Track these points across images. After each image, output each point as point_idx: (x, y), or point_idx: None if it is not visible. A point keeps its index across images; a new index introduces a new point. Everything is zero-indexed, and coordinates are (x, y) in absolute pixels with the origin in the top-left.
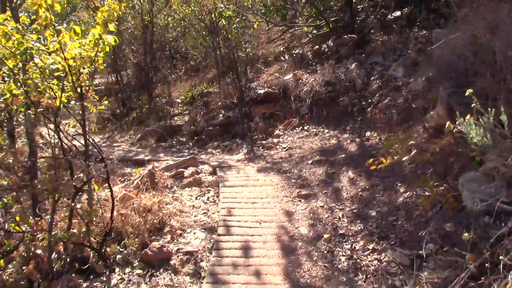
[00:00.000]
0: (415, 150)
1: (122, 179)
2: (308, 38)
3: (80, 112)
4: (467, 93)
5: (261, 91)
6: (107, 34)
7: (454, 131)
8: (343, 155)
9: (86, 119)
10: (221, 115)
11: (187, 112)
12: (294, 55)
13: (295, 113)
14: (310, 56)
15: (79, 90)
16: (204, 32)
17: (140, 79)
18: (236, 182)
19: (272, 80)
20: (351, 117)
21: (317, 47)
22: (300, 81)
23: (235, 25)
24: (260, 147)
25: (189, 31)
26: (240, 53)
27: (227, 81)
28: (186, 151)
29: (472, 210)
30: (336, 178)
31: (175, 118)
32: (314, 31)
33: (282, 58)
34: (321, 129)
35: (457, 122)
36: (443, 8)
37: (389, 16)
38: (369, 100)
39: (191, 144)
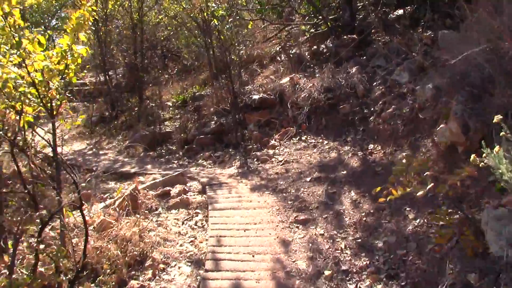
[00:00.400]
0: (432, 184)
1: (105, 196)
2: (305, 37)
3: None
4: (495, 120)
5: (256, 97)
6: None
7: (480, 165)
8: (344, 172)
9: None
10: (213, 122)
11: (178, 116)
12: (291, 55)
13: (292, 121)
14: (308, 57)
15: (49, 105)
16: (196, 31)
17: (130, 79)
18: (228, 203)
19: (268, 84)
20: (352, 127)
21: (315, 47)
22: (298, 86)
23: (228, 26)
24: (255, 160)
25: (181, 29)
26: (233, 56)
27: (220, 84)
28: (176, 161)
29: (501, 257)
30: (337, 200)
31: (166, 123)
32: (312, 30)
33: (278, 58)
34: (320, 140)
35: (484, 154)
36: (450, 8)
37: (390, 15)
38: (372, 108)
39: (181, 153)
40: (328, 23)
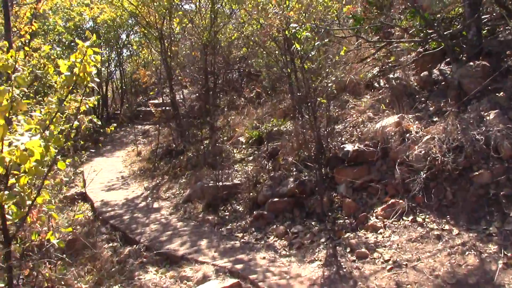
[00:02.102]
0: None
1: None
2: (411, 57)
3: None
4: None
5: (349, 148)
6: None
7: None
8: None
9: None
10: (291, 178)
11: (251, 158)
12: (393, 82)
13: (402, 188)
14: (416, 85)
15: None
16: (277, 52)
17: (202, 105)
18: None
19: (365, 125)
20: (496, 208)
21: (425, 73)
22: (408, 134)
23: (313, 53)
24: (347, 251)
25: (259, 49)
26: (319, 87)
27: (302, 122)
28: (240, 234)
29: None
30: None
31: (236, 166)
32: (419, 49)
33: (377, 85)
34: (447, 226)
35: None
36: None
37: None
38: None
39: (248, 221)
40: (443, 41)
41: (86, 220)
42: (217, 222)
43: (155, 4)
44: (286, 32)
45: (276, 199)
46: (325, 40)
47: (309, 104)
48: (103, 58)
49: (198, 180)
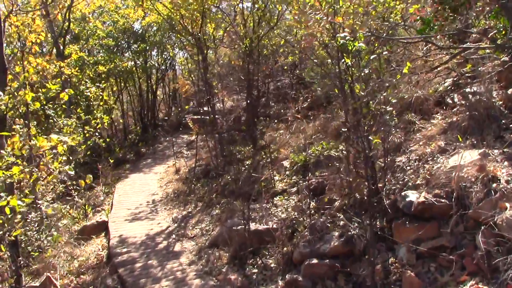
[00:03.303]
0: None
1: None
2: (494, 66)
3: None
4: None
5: (413, 197)
6: None
7: None
8: None
9: None
10: (336, 232)
11: (294, 189)
12: (471, 98)
13: (486, 265)
14: (501, 104)
15: None
16: (328, 60)
17: (246, 118)
18: None
19: (435, 160)
20: None
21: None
22: (495, 184)
23: (366, 70)
24: None
25: (309, 56)
26: (372, 110)
27: (356, 151)
28: None
29: None
30: None
31: (275, 199)
32: (504, 58)
33: (450, 101)
34: None
35: None
36: None
37: None
38: None
39: (279, 287)
40: None
41: (97, 262)
42: (241, 284)
43: (188, 7)
44: (336, 42)
45: (315, 261)
46: (384, 51)
47: (360, 134)
48: (151, 62)
49: (229, 216)
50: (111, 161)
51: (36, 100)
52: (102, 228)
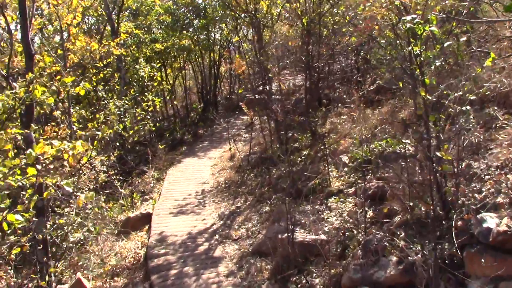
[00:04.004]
0: None
1: None
2: None
3: None
4: None
5: (492, 222)
6: None
7: None
8: None
9: None
10: (394, 257)
11: (351, 190)
12: None
13: None
14: None
15: None
16: (398, 42)
17: (307, 102)
18: None
19: None
20: None
21: None
22: None
23: (438, 62)
24: None
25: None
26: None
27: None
28: None
29: None
30: None
31: (330, 201)
32: None
33: None
34: None
35: None
36: None
37: None
38: None
39: None
40: None
41: (134, 262)
42: None
43: None
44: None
45: None
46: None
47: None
48: (212, 39)
49: (277, 219)
50: (161, 147)
51: (89, 82)
52: (146, 220)
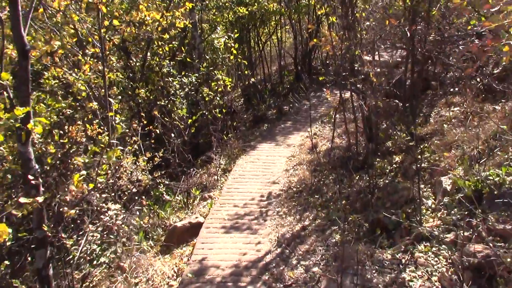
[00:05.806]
0: None
1: None
2: None
3: None
4: None
5: None
6: None
7: None
8: None
9: None
10: None
11: (450, 235)
12: None
13: None
14: None
15: None
16: None
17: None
18: None
19: None
20: None
21: None
22: None
23: None
24: None
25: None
26: None
27: None
28: None
29: None
30: None
31: (419, 247)
32: None
33: None
34: None
35: None
36: None
37: None
38: None
39: None
40: None
41: None
42: None
43: None
44: None
45: None
46: None
47: None
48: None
49: (344, 265)
50: (225, 138)
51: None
52: (195, 232)
